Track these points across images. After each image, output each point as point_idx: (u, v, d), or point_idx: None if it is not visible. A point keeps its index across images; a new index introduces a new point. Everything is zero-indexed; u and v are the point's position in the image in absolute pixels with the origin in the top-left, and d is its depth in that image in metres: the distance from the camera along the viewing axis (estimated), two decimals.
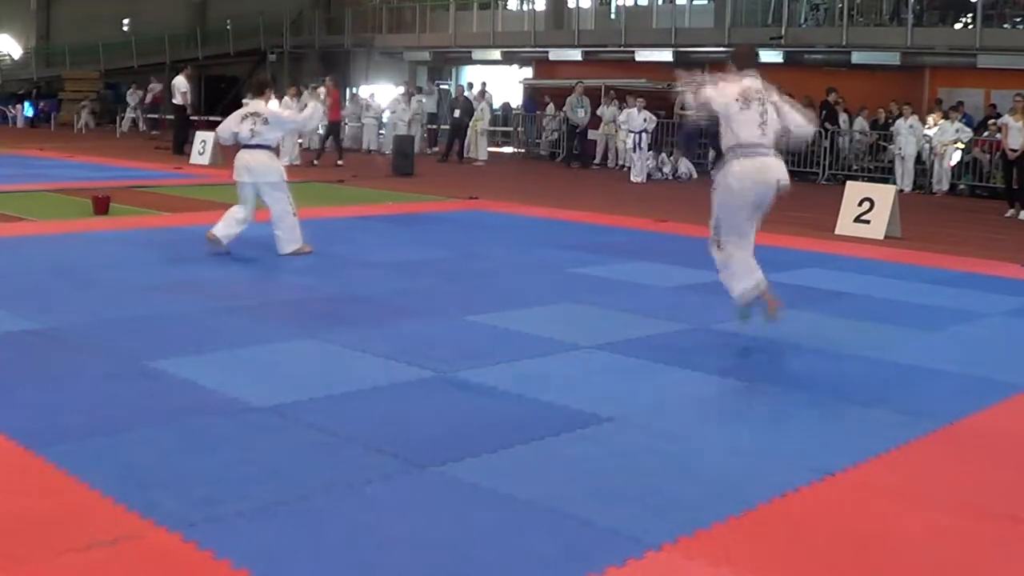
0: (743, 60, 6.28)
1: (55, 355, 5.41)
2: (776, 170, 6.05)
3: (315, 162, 19.44)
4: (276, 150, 9.50)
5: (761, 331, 6.43)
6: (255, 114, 8.90)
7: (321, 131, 20.80)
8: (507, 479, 3.84)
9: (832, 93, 19.71)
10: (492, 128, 24.38)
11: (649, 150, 19.74)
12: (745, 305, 6.22)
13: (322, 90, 18.99)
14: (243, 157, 8.88)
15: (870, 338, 6.45)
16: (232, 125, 8.95)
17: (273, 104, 9.40)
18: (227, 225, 8.71)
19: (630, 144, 18.89)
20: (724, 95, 6.01)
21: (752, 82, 6.08)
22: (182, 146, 20.41)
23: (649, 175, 19.02)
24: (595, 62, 25.65)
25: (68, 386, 4.85)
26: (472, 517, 3.51)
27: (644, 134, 18.70)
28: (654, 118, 19.13)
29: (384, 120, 24.57)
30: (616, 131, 21.09)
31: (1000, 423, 4.89)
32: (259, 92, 9.17)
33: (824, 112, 19.78)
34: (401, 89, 25.01)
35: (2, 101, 33.71)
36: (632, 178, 18.58)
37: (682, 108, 20.49)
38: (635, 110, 18.96)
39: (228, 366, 5.30)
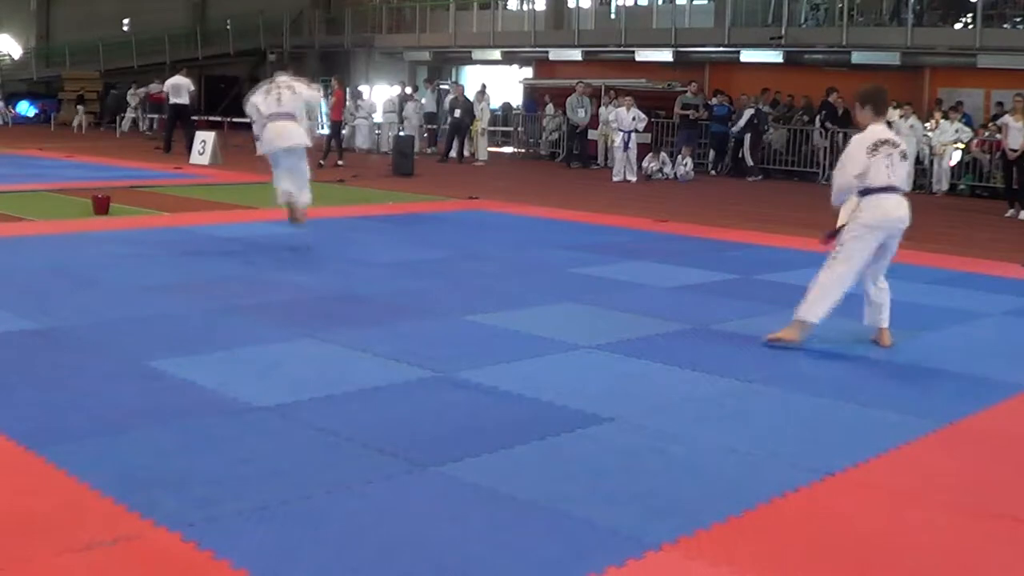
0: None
1: (55, 355, 5.41)
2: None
3: (321, 163, 19.42)
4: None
5: (761, 331, 6.43)
6: (285, 85, 9.28)
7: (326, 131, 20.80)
8: (507, 479, 3.84)
9: (833, 93, 19.70)
10: (492, 128, 24.37)
11: (650, 151, 19.74)
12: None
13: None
14: (274, 128, 9.21)
15: (869, 339, 6.44)
16: (256, 100, 9.31)
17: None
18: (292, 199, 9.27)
19: (618, 143, 18.85)
20: None
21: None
22: (190, 145, 20.29)
23: (649, 176, 19.00)
24: (595, 62, 25.65)
25: (68, 386, 4.85)
26: (472, 517, 3.51)
27: (634, 133, 18.66)
28: (644, 117, 19.06)
29: (379, 120, 24.62)
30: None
31: (1000, 423, 4.90)
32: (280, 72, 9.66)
33: (824, 112, 19.79)
34: (397, 89, 25.02)
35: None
36: (613, 177, 18.53)
37: (682, 108, 20.66)
38: (623, 109, 18.92)
39: (228, 366, 5.30)
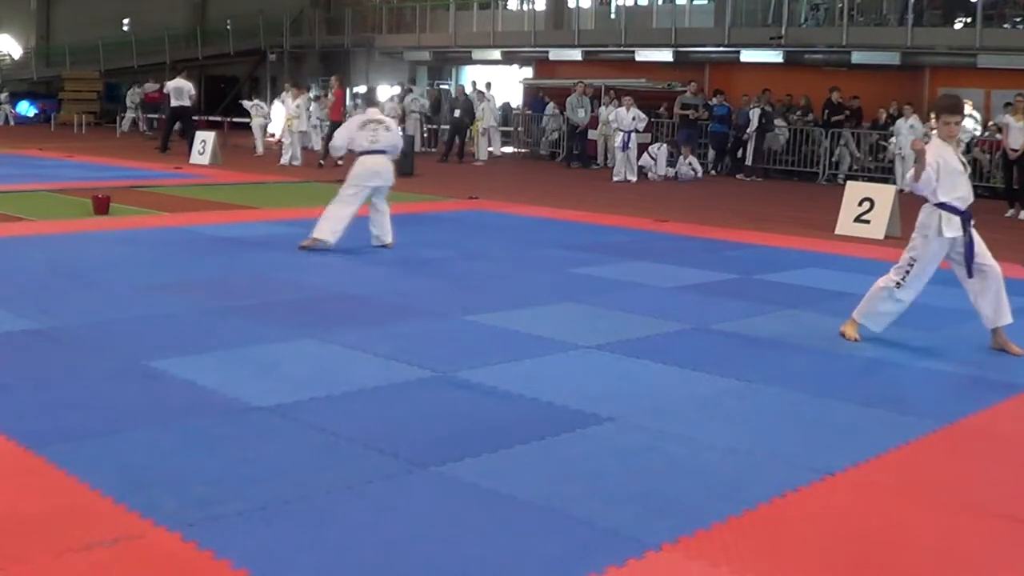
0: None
1: (55, 355, 5.42)
2: None
3: (321, 163, 19.43)
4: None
5: (761, 331, 6.43)
6: (377, 121, 9.46)
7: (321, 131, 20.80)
8: (507, 479, 3.84)
9: (835, 91, 19.68)
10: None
11: (657, 149, 19.73)
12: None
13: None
14: (369, 162, 9.35)
15: (870, 338, 6.44)
16: (349, 133, 9.50)
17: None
18: (336, 223, 9.14)
19: (618, 143, 18.84)
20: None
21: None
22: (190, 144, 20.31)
23: (646, 175, 18.99)
24: (595, 62, 25.64)
25: (68, 386, 4.86)
26: (472, 517, 3.51)
27: (634, 133, 18.65)
28: (644, 117, 19.04)
29: None
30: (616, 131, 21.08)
31: (1000, 423, 4.90)
32: (372, 103, 9.95)
33: (827, 111, 19.78)
34: (397, 88, 24.98)
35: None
36: (613, 177, 18.52)
37: (682, 108, 20.64)
38: (623, 109, 18.92)
39: (228, 366, 5.30)
